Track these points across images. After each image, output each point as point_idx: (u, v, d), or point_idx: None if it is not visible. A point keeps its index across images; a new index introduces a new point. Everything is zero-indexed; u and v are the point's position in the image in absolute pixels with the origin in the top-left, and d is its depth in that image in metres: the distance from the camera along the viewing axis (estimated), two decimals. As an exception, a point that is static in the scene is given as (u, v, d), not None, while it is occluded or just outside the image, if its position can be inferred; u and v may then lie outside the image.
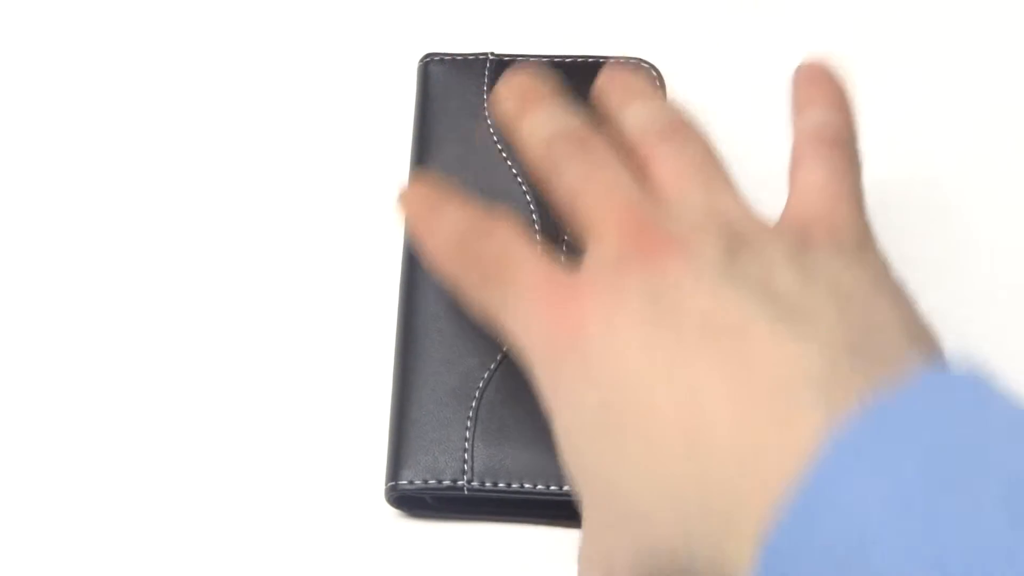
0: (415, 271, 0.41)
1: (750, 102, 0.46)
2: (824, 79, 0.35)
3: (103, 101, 0.48)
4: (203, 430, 0.41)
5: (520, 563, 0.39)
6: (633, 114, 0.35)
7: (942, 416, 0.24)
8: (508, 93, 0.37)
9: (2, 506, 0.40)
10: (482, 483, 0.38)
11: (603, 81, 0.37)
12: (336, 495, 0.40)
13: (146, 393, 0.42)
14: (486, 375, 0.39)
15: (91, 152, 0.46)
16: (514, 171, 0.43)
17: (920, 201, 0.45)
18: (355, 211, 0.45)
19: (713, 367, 0.27)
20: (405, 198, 0.35)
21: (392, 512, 0.39)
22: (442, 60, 0.45)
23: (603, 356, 0.28)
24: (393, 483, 0.38)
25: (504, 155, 0.43)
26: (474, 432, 0.38)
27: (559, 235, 0.40)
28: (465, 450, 0.38)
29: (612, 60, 0.44)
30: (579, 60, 0.45)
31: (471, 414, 0.39)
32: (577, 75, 0.44)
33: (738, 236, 0.30)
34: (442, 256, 0.34)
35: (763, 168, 0.45)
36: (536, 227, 0.41)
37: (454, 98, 0.44)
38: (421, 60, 0.46)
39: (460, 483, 0.38)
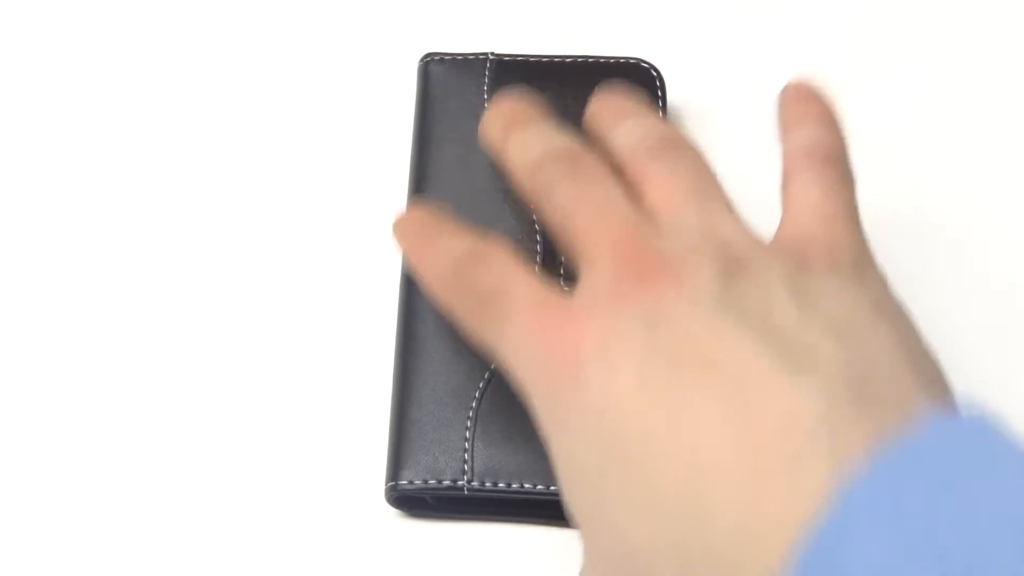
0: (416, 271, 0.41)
1: (750, 102, 0.46)
2: (811, 98, 0.35)
3: (103, 102, 0.48)
4: (203, 430, 0.41)
5: (520, 563, 0.38)
6: (623, 132, 0.34)
7: (951, 468, 0.23)
8: (495, 119, 0.37)
9: (2, 506, 0.40)
10: (482, 483, 0.38)
11: (593, 105, 0.37)
12: (336, 495, 0.40)
13: (147, 394, 0.42)
14: (486, 375, 0.39)
15: (92, 154, 0.46)
16: (514, 171, 0.43)
17: (920, 201, 0.45)
18: (355, 211, 0.45)
19: (714, 412, 0.26)
20: (400, 226, 0.35)
21: (392, 512, 0.39)
22: (442, 60, 0.45)
23: (602, 397, 0.28)
24: (393, 483, 0.38)
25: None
26: (474, 432, 0.38)
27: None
28: (465, 450, 0.38)
29: (611, 60, 0.45)
30: (579, 60, 0.45)
31: (471, 414, 0.39)
32: (577, 75, 0.44)
33: (734, 259, 0.29)
34: (437, 284, 0.33)
35: (763, 168, 0.45)
36: (537, 235, 0.41)
37: (454, 98, 0.44)
38: (421, 60, 0.46)
39: (460, 483, 0.38)
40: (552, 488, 0.37)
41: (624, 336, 0.28)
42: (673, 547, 0.26)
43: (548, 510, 0.38)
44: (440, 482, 0.38)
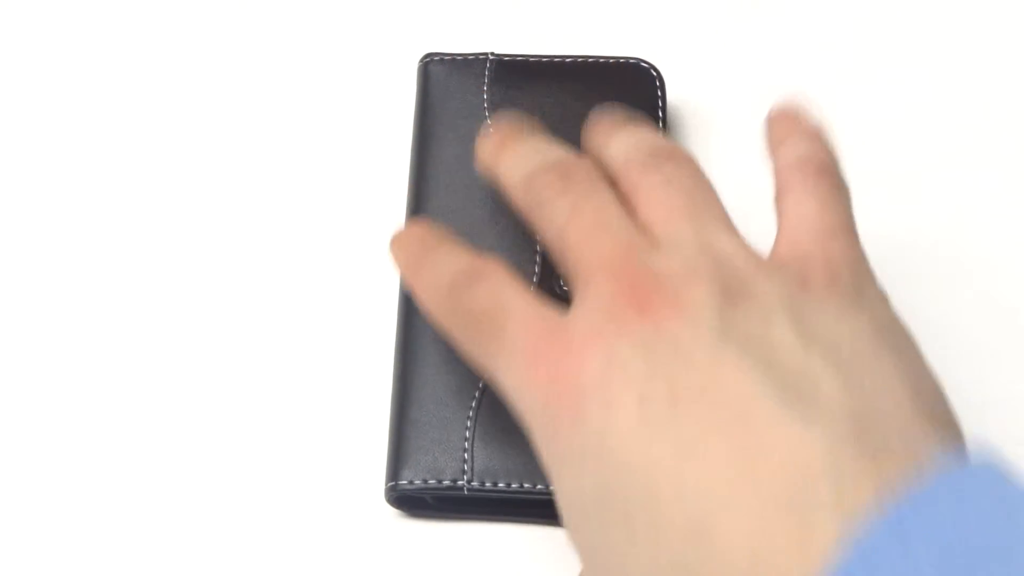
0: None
1: (750, 102, 0.46)
2: (799, 115, 0.34)
3: (103, 102, 0.48)
4: (203, 430, 0.41)
5: (520, 563, 0.39)
6: (616, 144, 0.34)
7: (962, 518, 0.23)
8: (488, 141, 0.36)
9: (2, 506, 0.40)
10: (482, 483, 0.38)
11: (589, 124, 0.36)
12: (336, 495, 0.40)
13: (147, 394, 0.42)
14: (486, 375, 0.39)
15: (92, 154, 0.47)
16: (514, 171, 0.43)
17: (920, 200, 0.45)
18: (355, 211, 0.45)
19: (719, 456, 0.25)
20: (396, 243, 0.35)
21: (392, 512, 0.39)
22: (442, 60, 0.45)
23: (602, 434, 0.27)
24: (393, 483, 0.38)
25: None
26: (474, 432, 0.38)
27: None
28: (465, 450, 0.38)
29: (610, 60, 0.45)
30: (579, 60, 0.45)
31: (471, 414, 0.39)
32: (577, 75, 0.44)
33: (734, 282, 0.28)
34: (432, 304, 0.32)
35: (763, 168, 0.45)
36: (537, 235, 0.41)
37: (454, 98, 0.44)
38: (421, 60, 0.46)
39: (460, 483, 0.38)
40: (552, 488, 0.37)
41: (623, 368, 0.27)
42: None
43: (548, 510, 0.38)
44: (440, 482, 0.38)
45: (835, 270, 0.29)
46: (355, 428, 0.41)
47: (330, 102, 0.47)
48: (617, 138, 0.34)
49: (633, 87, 0.44)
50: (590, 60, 0.45)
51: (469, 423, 0.38)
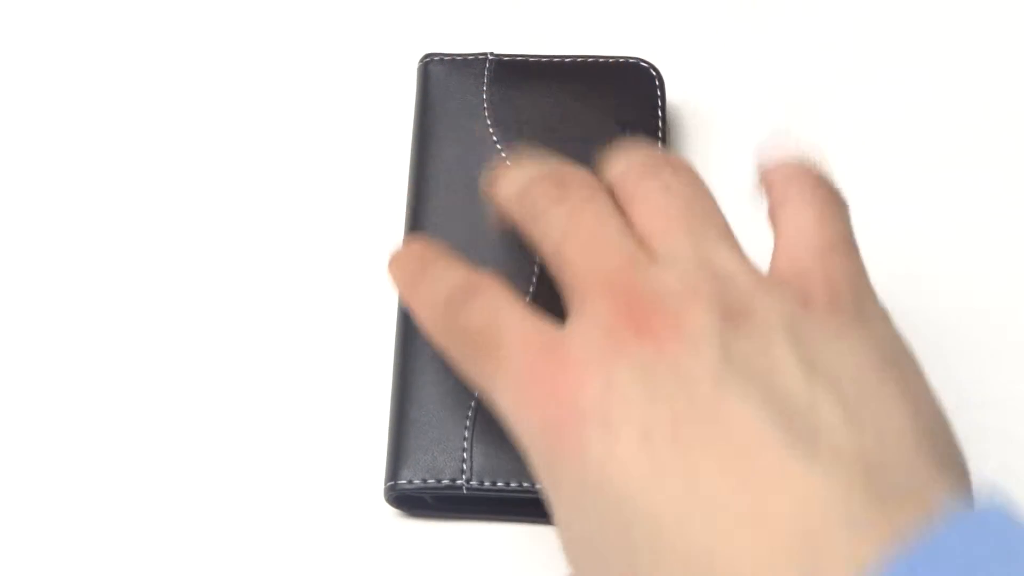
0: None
1: (750, 102, 0.46)
2: (787, 151, 0.33)
3: (103, 103, 0.48)
4: (202, 430, 0.41)
5: (519, 562, 0.38)
6: (615, 159, 0.33)
7: (972, 566, 0.23)
8: (489, 176, 0.36)
9: (2, 506, 0.40)
10: (481, 482, 0.38)
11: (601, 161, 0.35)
12: (335, 495, 0.40)
13: (146, 393, 0.42)
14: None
15: (92, 154, 0.47)
16: (514, 171, 0.43)
17: (919, 201, 0.45)
18: (355, 211, 0.45)
19: (725, 494, 0.25)
20: (394, 262, 0.34)
21: (391, 512, 0.39)
22: (442, 60, 0.45)
23: (603, 466, 0.26)
24: (392, 482, 0.38)
25: (504, 155, 0.43)
26: (473, 431, 0.38)
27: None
28: (464, 449, 0.38)
29: (610, 60, 0.45)
30: (578, 60, 0.45)
31: (470, 414, 0.39)
32: (576, 75, 0.44)
33: (734, 302, 0.28)
34: (427, 322, 0.32)
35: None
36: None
37: (454, 98, 0.44)
38: (421, 60, 0.46)
39: (459, 482, 0.38)
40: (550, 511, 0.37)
41: (623, 395, 0.26)
42: None
43: (547, 509, 0.38)
44: (439, 481, 0.38)
45: (836, 287, 0.29)
46: (354, 428, 0.41)
47: (330, 102, 0.47)
48: (616, 156, 0.33)
49: (633, 87, 0.44)
50: (589, 60, 0.45)
51: (468, 423, 0.38)
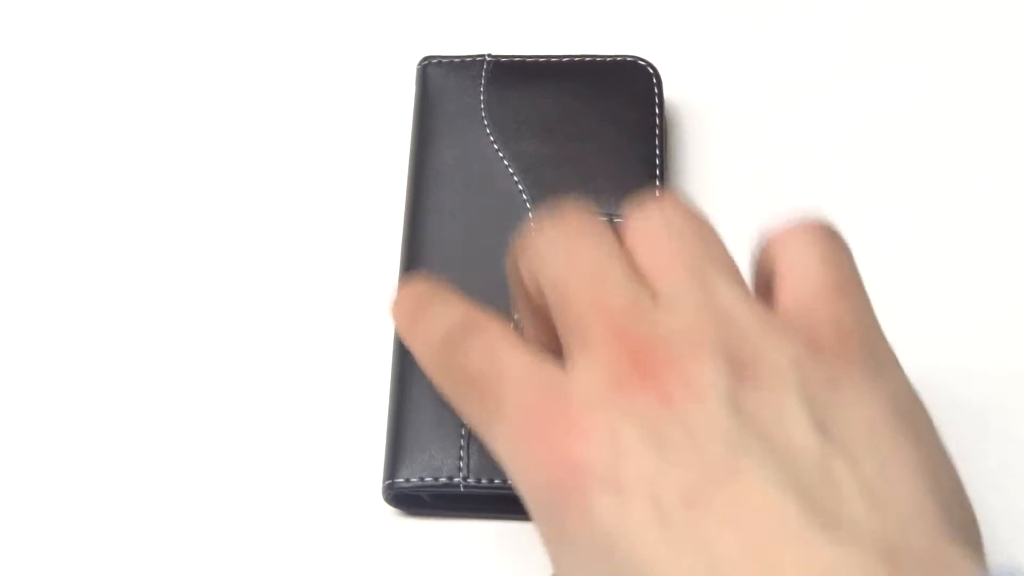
0: (413, 270, 0.41)
1: (748, 101, 0.46)
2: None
3: (103, 103, 0.48)
4: (201, 429, 0.41)
5: (517, 560, 0.38)
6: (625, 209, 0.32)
7: None
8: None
9: (2, 506, 0.40)
10: (478, 480, 0.38)
11: None
12: (334, 494, 0.40)
13: (145, 391, 0.42)
14: (483, 373, 0.39)
15: (91, 154, 0.47)
16: (511, 171, 0.43)
17: (919, 201, 0.45)
18: (354, 211, 0.45)
19: (742, 569, 0.24)
20: (395, 303, 0.33)
21: (389, 510, 0.39)
22: (440, 62, 0.45)
23: (611, 533, 0.25)
24: (390, 481, 0.38)
25: (501, 156, 0.43)
26: (470, 430, 0.38)
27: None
28: (461, 447, 0.38)
29: (608, 59, 0.45)
30: (576, 60, 0.45)
31: (467, 412, 0.39)
32: (574, 75, 0.44)
33: (742, 350, 0.27)
34: (425, 360, 0.31)
35: (760, 167, 0.45)
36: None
37: (452, 100, 0.44)
38: (419, 63, 0.46)
39: (456, 480, 0.38)
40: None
41: (632, 456, 0.25)
42: None
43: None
44: (436, 479, 0.38)
45: (845, 330, 0.28)
46: (352, 427, 0.41)
47: (330, 105, 0.47)
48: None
49: (630, 86, 0.44)
50: (587, 59, 0.45)
51: (466, 420, 0.38)
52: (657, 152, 0.43)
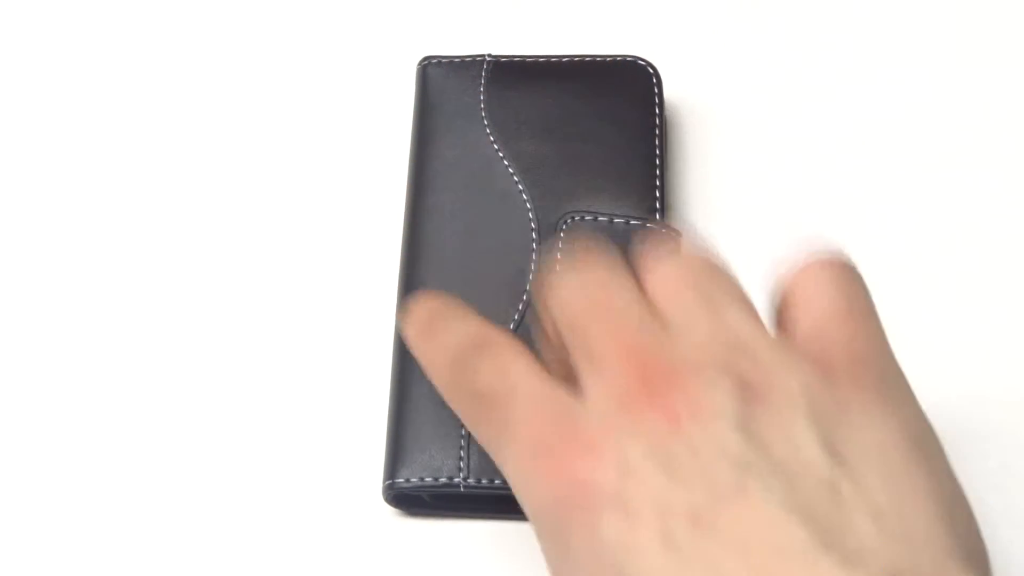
0: (413, 270, 0.41)
1: (748, 100, 0.46)
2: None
3: (103, 103, 0.48)
4: (201, 429, 0.41)
5: (517, 561, 0.38)
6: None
7: None
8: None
9: (2, 506, 0.40)
10: (478, 480, 0.38)
11: None
12: (334, 494, 0.40)
13: (146, 392, 0.42)
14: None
15: (91, 154, 0.47)
16: (511, 171, 0.43)
17: (919, 201, 0.45)
18: (354, 212, 0.45)
19: None
20: (408, 316, 0.33)
21: (390, 510, 0.39)
22: (439, 62, 0.45)
23: (619, 553, 0.25)
24: (390, 481, 0.38)
25: (501, 155, 0.43)
26: (455, 413, 0.38)
27: (555, 244, 0.41)
28: (461, 448, 0.38)
29: (607, 59, 0.45)
30: (576, 59, 0.45)
31: (467, 412, 0.39)
32: (574, 74, 0.44)
33: (751, 374, 0.27)
34: (435, 377, 0.31)
35: (760, 166, 0.45)
36: (534, 233, 0.41)
37: (452, 100, 0.44)
38: (419, 63, 0.46)
39: (456, 480, 0.38)
40: None
41: (641, 477, 0.25)
42: None
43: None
44: (437, 480, 0.38)
45: (858, 357, 0.28)
46: (353, 427, 0.41)
47: (330, 105, 0.47)
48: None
49: (630, 85, 0.44)
50: (587, 59, 0.45)
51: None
52: (657, 152, 0.43)
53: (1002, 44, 0.48)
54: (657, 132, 0.43)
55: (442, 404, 0.38)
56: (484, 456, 0.37)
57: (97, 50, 0.49)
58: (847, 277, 0.29)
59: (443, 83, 0.45)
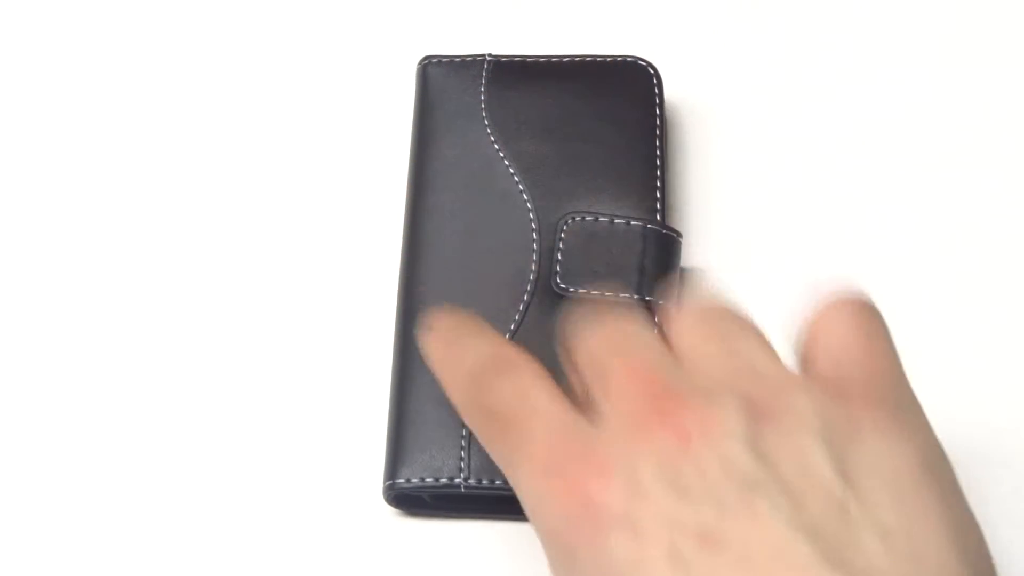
0: (414, 270, 0.41)
1: (748, 100, 0.46)
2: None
3: (103, 103, 0.48)
4: (202, 430, 0.41)
5: (517, 561, 0.38)
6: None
7: None
8: None
9: (2, 506, 0.40)
10: (479, 481, 0.38)
11: None
12: (335, 494, 0.40)
13: (146, 392, 0.42)
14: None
15: (91, 154, 0.47)
16: (511, 171, 0.43)
17: (920, 200, 0.45)
18: (355, 211, 0.45)
19: None
20: (429, 330, 0.33)
21: (390, 511, 0.39)
22: (440, 62, 0.45)
23: (625, 568, 0.25)
24: (391, 481, 0.38)
25: (502, 155, 0.43)
26: (471, 430, 0.38)
27: (556, 244, 0.41)
28: (462, 448, 0.38)
29: (608, 59, 0.45)
30: (576, 59, 0.45)
31: (468, 412, 0.39)
32: (574, 74, 0.44)
33: (764, 397, 0.27)
34: (454, 394, 0.32)
35: (761, 168, 0.45)
36: (534, 233, 0.41)
37: (452, 99, 0.44)
38: (420, 62, 0.46)
39: (457, 481, 0.38)
40: None
41: (650, 495, 0.26)
42: None
43: None
44: (437, 480, 0.38)
45: (873, 382, 0.28)
46: (353, 427, 0.41)
47: (331, 105, 0.47)
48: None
49: (631, 86, 0.44)
50: (587, 59, 0.45)
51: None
52: (657, 152, 0.43)
53: (1002, 44, 0.48)
54: (657, 132, 0.43)
55: (443, 404, 0.39)
56: (484, 456, 0.38)
57: (98, 51, 0.49)
58: (867, 314, 0.30)
59: (443, 83, 0.45)
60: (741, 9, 0.49)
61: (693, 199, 0.44)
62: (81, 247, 0.45)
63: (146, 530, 0.40)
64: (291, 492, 0.40)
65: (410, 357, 0.40)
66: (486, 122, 0.43)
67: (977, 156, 0.45)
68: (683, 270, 0.42)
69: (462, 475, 0.38)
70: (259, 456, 0.41)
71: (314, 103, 0.47)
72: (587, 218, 0.41)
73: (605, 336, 0.30)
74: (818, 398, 0.27)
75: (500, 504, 0.38)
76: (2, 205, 0.46)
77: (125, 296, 0.44)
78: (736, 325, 0.30)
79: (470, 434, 0.38)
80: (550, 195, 0.42)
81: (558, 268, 0.40)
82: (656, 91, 0.44)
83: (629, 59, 0.44)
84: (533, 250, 0.41)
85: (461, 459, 0.38)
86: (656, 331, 0.30)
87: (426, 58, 0.46)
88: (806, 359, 0.30)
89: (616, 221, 0.41)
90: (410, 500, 0.39)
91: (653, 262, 0.40)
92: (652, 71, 0.44)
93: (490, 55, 0.45)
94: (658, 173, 0.42)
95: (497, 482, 0.38)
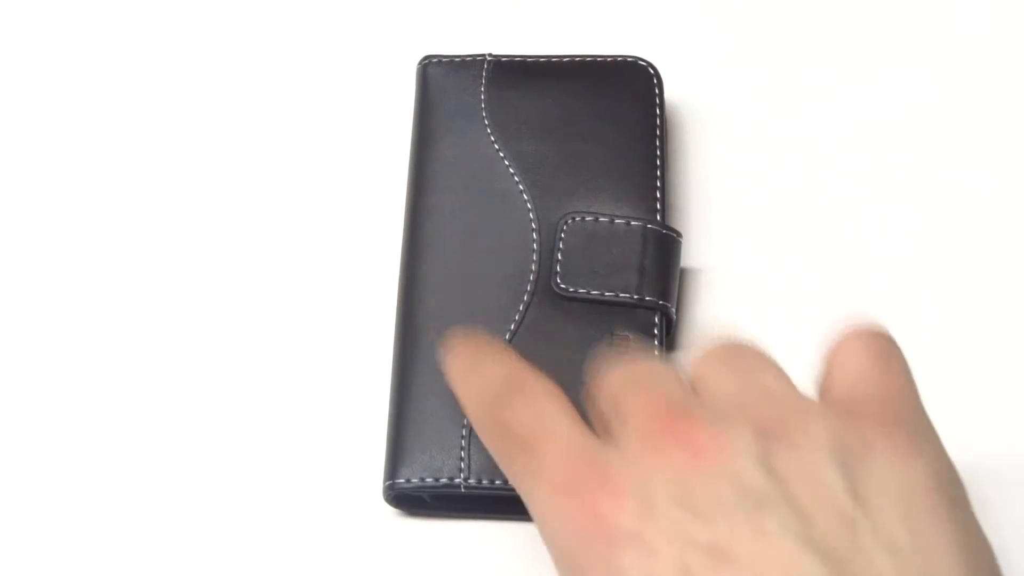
0: (414, 270, 0.41)
1: (748, 100, 0.46)
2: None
3: (103, 103, 0.48)
4: (202, 430, 0.41)
5: (518, 561, 0.38)
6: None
7: None
8: None
9: (2, 506, 0.40)
10: (479, 481, 0.38)
11: None
12: (334, 494, 0.40)
13: (147, 393, 0.42)
14: (483, 373, 0.39)
15: (93, 156, 0.47)
16: (512, 171, 0.43)
17: (920, 200, 0.45)
18: (355, 211, 0.45)
19: None
20: (453, 349, 0.34)
21: (390, 511, 0.39)
22: (440, 62, 0.45)
23: None
24: (391, 481, 0.38)
25: (502, 155, 0.43)
26: (471, 430, 0.38)
27: (556, 244, 0.41)
28: (462, 448, 0.38)
29: (608, 59, 0.45)
30: (576, 60, 0.45)
31: (468, 413, 0.39)
32: (574, 75, 0.44)
33: (777, 418, 0.27)
34: (472, 412, 0.32)
35: (761, 168, 0.45)
36: (534, 233, 0.41)
37: (452, 99, 0.44)
38: (420, 62, 0.46)
39: (457, 481, 0.38)
40: None
41: (661, 513, 0.26)
42: None
43: None
44: (437, 480, 0.38)
45: (887, 404, 0.28)
46: (353, 427, 0.41)
47: (331, 104, 0.47)
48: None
49: (631, 86, 0.44)
50: (587, 59, 0.45)
51: (466, 421, 0.38)
52: (657, 152, 0.43)
53: (1002, 44, 0.48)
54: (657, 132, 0.43)
55: (443, 404, 0.39)
56: (484, 456, 0.38)
57: (98, 52, 0.49)
58: (883, 342, 0.30)
59: (443, 83, 0.45)
60: (741, 9, 0.49)
61: (693, 199, 0.44)
62: (82, 248, 0.45)
63: (147, 530, 0.40)
64: (291, 492, 0.40)
65: (410, 357, 0.40)
66: (486, 122, 0.43)
67: (977, 156, 0.45)
68: (683, 270, 0.42)
69: (462, 475, 0.38)
70: (259, 456, 0.41)
71: (314, 103, 0.47)
72: (587, 218, 0.41)
73: (627, 372, 0.30)
74: (831, 419, 0.27)
75: (500, 504, 0.38)
76: (2, 205, 0.46)
77: (126, 297, 0.44)
78: (754, 359, 0.30)
79: (470, 434, 0.38)
80: (550, 195, 0.42)
81: (558, 268, 0.40)
82: (656, 91, 0.44)
83: (629, 59, 0.44)
84: (533, 250, 0.41)
85: (461, 459, 0.38)
86: (681, 376, 0.31)
87: (426, 58, 0.46)
88: (824, 388, 0.30)
89: (616, 221, 0.41)
90: (410, 500, 0.39)
91: (653, 262, 0.40)
92: (652, 71, 0.44)
93: (490, 55, 0.45)
94: (658, 173, 0.42)
95: (497, 482, 0.38)
